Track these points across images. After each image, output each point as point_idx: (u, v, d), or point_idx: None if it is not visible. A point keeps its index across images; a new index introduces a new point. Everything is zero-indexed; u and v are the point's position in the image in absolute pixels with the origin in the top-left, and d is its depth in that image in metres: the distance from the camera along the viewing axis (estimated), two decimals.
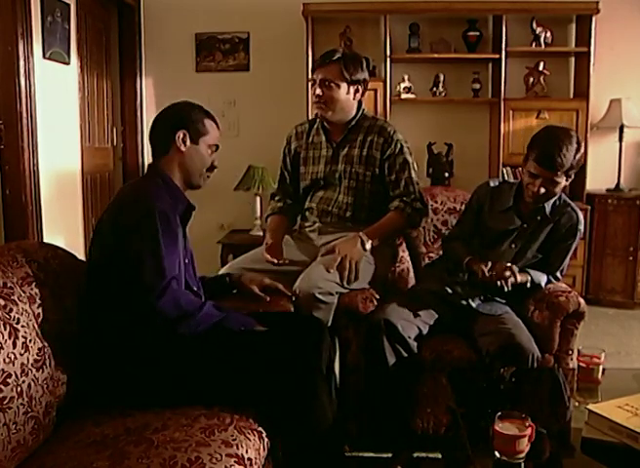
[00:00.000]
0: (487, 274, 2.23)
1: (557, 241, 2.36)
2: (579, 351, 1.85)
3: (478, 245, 2.43)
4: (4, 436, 1.46)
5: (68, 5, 3.49)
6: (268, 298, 2.24)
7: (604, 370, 1.84)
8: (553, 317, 2.29)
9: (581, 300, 2.31)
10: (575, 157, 2.18)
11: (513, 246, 2.38)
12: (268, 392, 1.75)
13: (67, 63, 3.52)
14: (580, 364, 1.81)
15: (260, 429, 1.69)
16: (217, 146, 1.98)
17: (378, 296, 2.42)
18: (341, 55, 2.52)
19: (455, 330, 2.37)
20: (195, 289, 1.96)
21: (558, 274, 2.41)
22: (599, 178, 4.43)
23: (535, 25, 4.28)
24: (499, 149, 4.37)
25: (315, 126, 2.69)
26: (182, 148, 1.89)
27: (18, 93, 3.11)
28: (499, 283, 2.21)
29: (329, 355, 2.08)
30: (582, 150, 2.23)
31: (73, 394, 1.81)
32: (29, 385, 1.58)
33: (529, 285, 2.33)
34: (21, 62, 3.10)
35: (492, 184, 2.47)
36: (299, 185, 2.74)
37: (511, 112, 4.35)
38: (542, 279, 2.37)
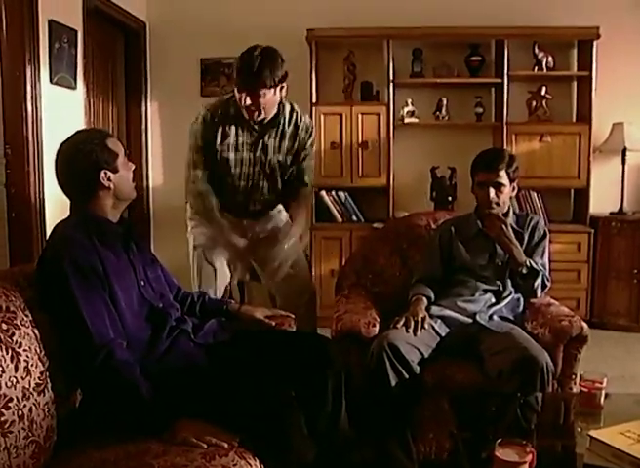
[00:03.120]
0: (398, 325, 2.31)
1: (533, 245, 2.54)
2: (581, 376, 1.84)
3: (463, 278, 2.52)
4: (4, 460, 1.46)
5: (76, 31, 3.54)
6: (274, 323, 2.25)
7: (606, 394, 1.82)
8: (556, 341, 2.29)
9: (584, 324, 2.31)
10: (510, 162, 2.51)
11: (500, 264, 2.49)
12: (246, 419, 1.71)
13: (74, 88, 3.56)
14: (582, 389, 1.80)
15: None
16: (125, 151, 1.94)
17: (378, 319, 2.44)
18: (260, 61, 2.47)
19: (460, 352, 2.36)
20: (160, 306, 1.96)
21: (547, 274, 2.54)
22: (602, 202, 4.44)
23: (537, 50, 4.32)
24: None
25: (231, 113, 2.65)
26: (110, 185, 1.86)
27: (25, 117, 3.16)
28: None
29: (337, 380, 2.09)
30: (516, 162, 2.55)
31: (76, 417, 1.82)
32: (30, 409, 1.58)
33: (524, 271, 2.42)
34: (29, 87, 3.15)
35: (449, 219, 2.72)
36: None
37: (514, 136, 4.37)
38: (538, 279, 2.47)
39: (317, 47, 4.44)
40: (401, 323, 2.30)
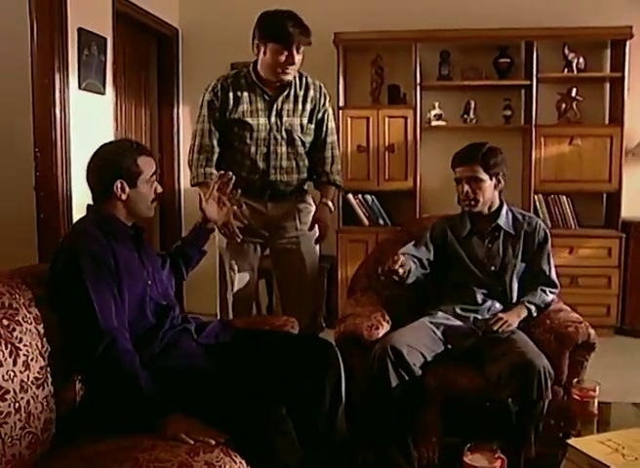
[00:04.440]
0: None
1: (535, 251, 2.49)
2: (574, 383, 1.82)
3: (460, 279, 2.50)
4: None
5: (105, 39, 3.66)
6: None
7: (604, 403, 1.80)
8: (561, 348, 2.25)
9: (591, 331, 2.27)
10: (486, 156, 2.42)
11: (493, 268, 2.47)
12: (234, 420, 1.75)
13: (102, 93, 3.67)
14: (575, 397, 1.78)
15: None
16: (154, 173, 2.01)
17: (389, 321, 2.45)
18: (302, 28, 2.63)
19: (463, 358, 2.35)
20: (165, 303, 2.03)
21: (554, 278, 2.50)
22: (635, 206, 4.32)
23: (567, 51, 4.24)
24: (530, 176, 4.32)
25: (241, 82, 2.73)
26: (123, 197, 1.93)
27: (53, 122, 3.27)
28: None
29: (336, 381, 2.12)
30: (501, 155, 2.49)
31: (77, 412, 1.89)
32: (28, 402, 1.66)
33: (535, 314, 2.33)
34: (57, 93, 3.26)
35: (442, 219, 2.67)
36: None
37: (543, 139, 4.30)
38: (543, 298, 2.42)
39: (345, 50, 4.47)
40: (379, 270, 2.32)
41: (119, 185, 1.92)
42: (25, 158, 3.32)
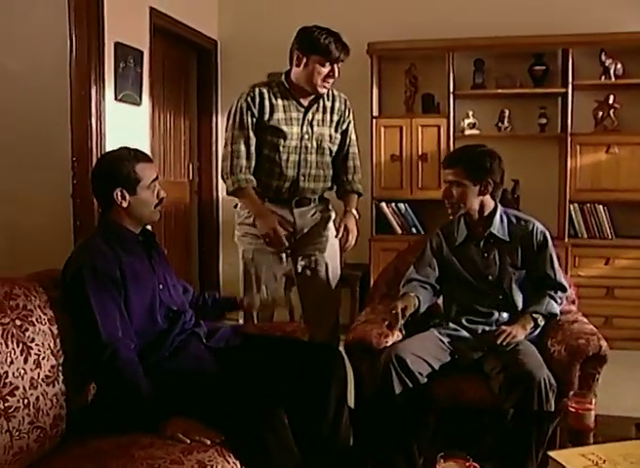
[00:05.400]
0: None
1: (536, 255, 2.43)
2: (570, 396, 1.80)
3: (463, 288, 2.49)
4: (6, 441, 1.62)
5: (141, 52, 3.80)
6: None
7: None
8: (572, 360, 2.22)
9: (603, 344, 2.23)
10: (470, 160, 2.36)
11: (490, 277, 2.44)
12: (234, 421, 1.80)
13: (138, 104, 3.82)
14: (571, 409, 1.76)
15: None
16: (156, 178, 2.05)
17: (402, 330, 2.47)
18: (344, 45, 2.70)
19: (473, 368, 2.35)
20: (175, 308, 2.09)
21: (561, 280, 2.42)
22: None
23: (604, 57, 4.16)
24: (565, 185, 4.25)
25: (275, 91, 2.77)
26: (124, 204, 2.00)
27: (89, 132, 3.43)
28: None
29: (342, 388, 2.15)
30: (493, 161, 2.40)
31: (88, 410, 1.98)
32: (37, 398, 1.75)
33: (542, 322, 2.30)
34: (93, 105, 3.42)
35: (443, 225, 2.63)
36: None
37: (579, 147, 4.23)
38: (550, 306, 2.36)
39: (379, 60, 4.51)
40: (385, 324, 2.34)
41: (119, 194, 1.99)
42: (64, 167, 3.47)
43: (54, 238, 3.45)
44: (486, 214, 2.45)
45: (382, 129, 4.48)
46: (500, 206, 2.49)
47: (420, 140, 4.43)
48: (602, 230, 4.24)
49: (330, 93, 2.86)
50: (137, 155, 2.05)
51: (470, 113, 4.44)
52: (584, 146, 4.23)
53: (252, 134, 2.75)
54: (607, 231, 4.23)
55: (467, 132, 4.43)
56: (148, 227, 2.23)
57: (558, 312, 2.40)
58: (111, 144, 3.51)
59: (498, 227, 2.44)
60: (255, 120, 2.74)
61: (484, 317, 2.41)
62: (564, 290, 2.43)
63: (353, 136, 2.99)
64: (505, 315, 2.40)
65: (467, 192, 2.38)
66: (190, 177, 4.93)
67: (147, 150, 4.03)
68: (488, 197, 2.42)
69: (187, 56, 4.83)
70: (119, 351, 1.85)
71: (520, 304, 2.42)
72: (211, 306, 2.36)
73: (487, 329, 2.38)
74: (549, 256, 2.43)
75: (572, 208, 4.27)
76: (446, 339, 2.38)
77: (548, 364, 2.26)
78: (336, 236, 2.86)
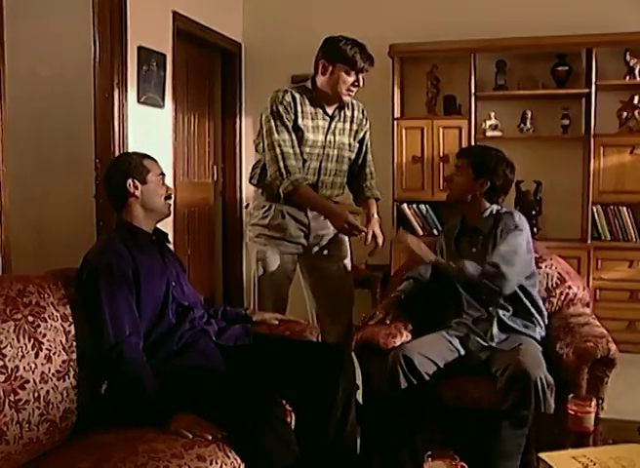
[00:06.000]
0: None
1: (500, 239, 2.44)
2: (569, 398, 1.79)
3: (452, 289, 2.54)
4: (16, 432, 1.70)
5: (164, 55, 3.88)
6: (277, 322, 2.46)
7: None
8: (579, 363, 2.21)
9: (612, 347, 2.21)
10: (487, 156, 2.54)
11: None
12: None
13: (161, 107, 3.89)
14: (570, 411, 1.75)
15: None
16: (163, 175, 2.21)
17: (412, 330, 2.50)
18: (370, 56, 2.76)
19: (481, 369, 2.35)
20: (186, 304, 2.16)
21: (494, 259, 2.36)
22: None
23: (628, 57, 4.10)
24: (588, 187, 4.20)
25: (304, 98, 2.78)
26: (137, 193, 2.12)
27: (112, 134, 3.51)
28: None
29: (350, 387, 2.18)
30: (507, 167, 2.54)
31: (100, 404, 2.05)
32: (48, 392, 1.82)
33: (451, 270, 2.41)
34: (116, 107, 3.50)
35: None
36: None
37: (602, 148, 4.17)
38: (477, 270, 2.36)
39: (400, 61, 4.51)
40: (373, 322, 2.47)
41: (131, 183, 2.12)
42: (88, 168, 3.57)
43: (78, 238, 3.54)
44: (480, 211, 2.52)
45: (404, 130, 4.48)
46: (495, 206, 2.54)
47: (442, 142, 4.42)
48: (625, 232, 4.17)
49: (351, 101, 2.89)
50: (143, 154, 2.22)
51: (492, 114, 4.42)
52: (608, 147, 4.17)
53: (294, 136, 2.74)
54: (630, 233, 4.16)
55: (489, 133, 4.41)
56: (160, 227, 2.30)
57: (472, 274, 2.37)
58: (134, 146, 3.60)
59: (484, 223, 2.51)
60: (291, 124, 2.74)
61: (480, 311, 2.45)
62: (493, 265, 2.34)
63: (369, 144, 3.05)
64: (505, 314, 2.42)
65: (464, 183, 2.51)
66: (215, 179, 5.00)
67: (170, 151, 4.12)
68: (482, 196, 2.51)
69: (212, 58, 4.90)
70: (125, 352, 1.92)
71: (509, 290, 2.40)
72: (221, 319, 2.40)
73: (494, 331, 2.39)
74: (506, 240, 2.38)
75: (595, 210, 4.21)
76: (455, 341, 2.39)
77: (557, 366, 2.26)
78: (365, 243, 2.85)
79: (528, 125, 4.39)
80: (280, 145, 2.71)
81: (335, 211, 2.71)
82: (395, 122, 4.48)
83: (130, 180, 2.11)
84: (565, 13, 4.27)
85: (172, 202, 2.24)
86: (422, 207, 4.54)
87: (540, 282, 2.65)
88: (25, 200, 3.73)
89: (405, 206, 4.54)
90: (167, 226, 4.24)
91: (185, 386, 1.98)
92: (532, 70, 4.39)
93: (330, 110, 2.83)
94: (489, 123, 4.42)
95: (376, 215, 2.93)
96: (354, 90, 2.76)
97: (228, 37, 4.80)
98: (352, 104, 2.92)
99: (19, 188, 3.33)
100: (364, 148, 3.01)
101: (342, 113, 2.87)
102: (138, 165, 2.15)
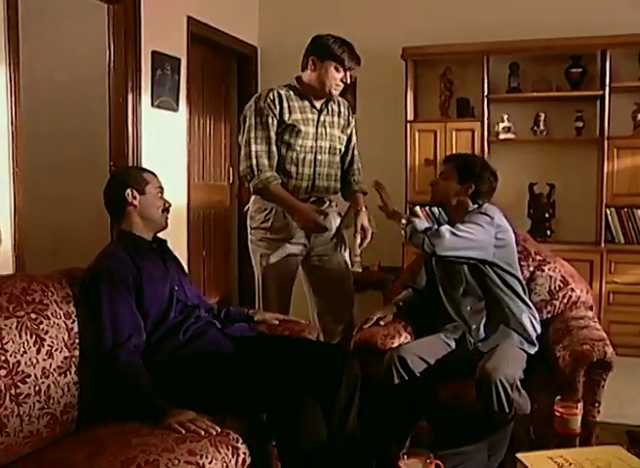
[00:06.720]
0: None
1: None
2: (556, 400, 1.80)
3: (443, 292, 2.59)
4: (17, 425, 1.77)
5: (179, 59, 3.95)
6: (277, 322, 2.51)
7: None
8: (575, 366, 2.21)
9: (609, 350, 2.20)
10: (471, 162, 2.57)
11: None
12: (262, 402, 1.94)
13: (176, 110, 3.97)
14: (556, 413, 1.76)
15: (237, 445, 1.86)
16: (162, 189, 2.27)
17: (411, 332, 2.52)
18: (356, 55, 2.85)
19: (469, 372, 2.37)
20: (190, 304, 2.24)
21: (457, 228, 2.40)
22: None
23: None
24: (602, 190, 4.18)
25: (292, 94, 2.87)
26: (135, 202, 2.19)
27: (126, 137, 3.59)
28: None
29: (353, 384, 2.21)
30: (490, 174, 2.54)
31: (102, 399, 2.11)
32: (49, 386, 1.89)
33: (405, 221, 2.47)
34: (130, 111, 3.58)
35: None
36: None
37: (616, 151, 4.14)
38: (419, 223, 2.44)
39: (413, 64, 4.53)
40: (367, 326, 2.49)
41: (130, 193, 2.19)
42: (102, 171, 3.63)
43: (92, 239, 3.61)
44: (464, 213, 2.53)
45: (417, 133, 4.50)
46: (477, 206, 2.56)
47: (455, 144, 4.43)
48: (639, 235, 4.13)
49: (335, 98, 2.99)
50: (143, 168, 2.35)
51: (505, 117, 4.41)
52: (622, 150, 4.14)
53: (273, 134, 2.83)
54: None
55: (502, 136, 4.41)
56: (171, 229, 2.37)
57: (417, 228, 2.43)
58: (148, 149, 3.68)
59: None
60: (276, 121, 2.83)
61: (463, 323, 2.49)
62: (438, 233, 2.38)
63: (355, 140, 3.14)
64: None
65: (450, 187, 2.53)
66: (231, 181, 5.07)
67: (184, 154, 4.19)
68: (467, 199, 2.52)
69: (228, 62, 4.97)
70: (120, 356, 1.99)
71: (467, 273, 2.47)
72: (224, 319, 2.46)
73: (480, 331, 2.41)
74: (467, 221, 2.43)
75: (608, 212, 4.18)
76: (452, 343, 2.42)
77: (554, 370, 2.27)
78: (354, 235, 2.91)
79: (541, 127, 4.37)
80: (256, 143, 2.82)
81: (299, 210, 2.80)
82: (408, 125, 4.50)
83: (129, 190, 2.19)
84: (579, 14, 4.25)
85: (169, 215, 2.30)
86: (435, 209, 4.53)
87: (542, 285, 2.66)
88: (41, 201, 3.83)
89: (417, 208, 4.55)
90: (181, 227, 4.33)
91: (198, 371, 2.06)
92: (545, 72, 4.37)
93: (317, 104, 2.92)
94: (502, 125, 4.41)
95: (364, 208, 2.98)
96: (341, 85, 2.86)
97: (244, 41, 4.87)
98: (338, 101, 3.02)
99: (35, 190, 3.42)
100: (351, 144, 3.10)
101: (330, 107, 2.97)
102: (137, 176, 2.24)
